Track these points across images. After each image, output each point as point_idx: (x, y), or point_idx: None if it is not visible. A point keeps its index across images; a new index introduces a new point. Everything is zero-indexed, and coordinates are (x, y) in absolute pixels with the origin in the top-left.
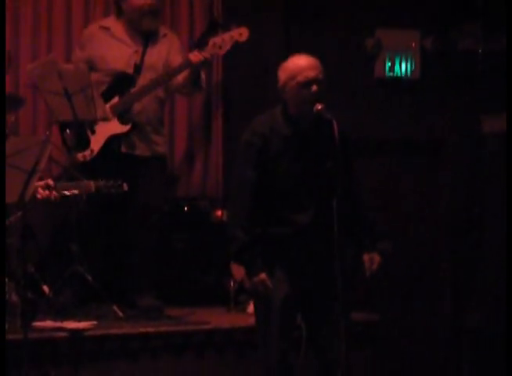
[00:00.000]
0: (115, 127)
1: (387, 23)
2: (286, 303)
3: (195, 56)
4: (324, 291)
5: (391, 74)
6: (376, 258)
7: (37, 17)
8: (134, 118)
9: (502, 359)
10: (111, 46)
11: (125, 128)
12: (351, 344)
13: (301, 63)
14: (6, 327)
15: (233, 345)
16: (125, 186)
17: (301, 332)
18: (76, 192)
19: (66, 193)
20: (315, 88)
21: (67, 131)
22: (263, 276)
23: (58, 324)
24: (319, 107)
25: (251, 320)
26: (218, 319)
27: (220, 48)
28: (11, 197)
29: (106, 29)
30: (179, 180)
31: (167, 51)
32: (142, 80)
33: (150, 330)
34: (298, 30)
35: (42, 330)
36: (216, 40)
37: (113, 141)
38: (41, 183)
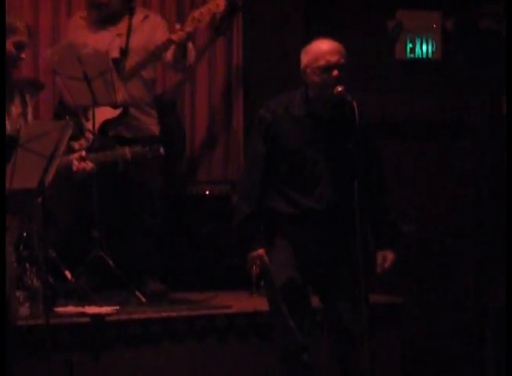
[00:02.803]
0: (107, 112)
1: (408, 5)
2: (291, 286)
3: (176, 35)
4: (341, 274)
5: (412, 55)
6: (389, 255)
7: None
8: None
9: None
10: (90, 33)
11: (117, 112)
12: (374, 327)
13: (323, 47)
14: (28, 312)
15: (256, 328)
16: (162, 150)
17: (317, 316)
18: (111, 160)
19: (101, 161)
20: (336, 72)
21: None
22: (261, 251)
23: (80, 309)
24: (340, 89)
25: None
26: (241, 303)
27: (199, 21)
28: (31, 182)
29: (84, 18)
30: (200, 164)
31: (149, 33)
32: (129, 62)
33: (173, 314)
34: (318, 13)
35: (64, 315)
36: (195, 14)
37: (106, 126)
38: (76, 156)
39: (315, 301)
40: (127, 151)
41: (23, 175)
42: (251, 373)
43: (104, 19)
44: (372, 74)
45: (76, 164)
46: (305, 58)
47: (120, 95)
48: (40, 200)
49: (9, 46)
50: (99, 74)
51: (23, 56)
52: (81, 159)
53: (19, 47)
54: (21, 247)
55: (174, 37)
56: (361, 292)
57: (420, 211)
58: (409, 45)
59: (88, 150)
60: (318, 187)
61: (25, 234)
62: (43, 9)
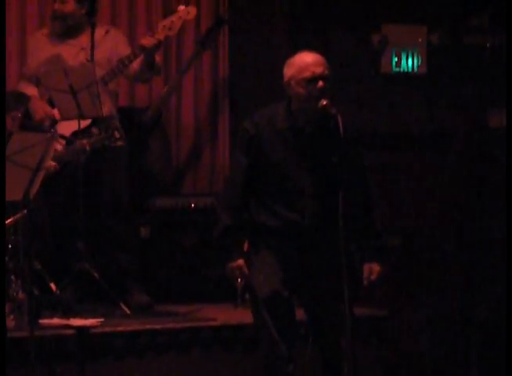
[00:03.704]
0: (75, 123)
1: (394, 19)
2: (275, 298)
3: (147, 40)
4: (325, 287)
5: (398, 69)
6: (376, 268)
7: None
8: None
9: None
10: (56, 49)
11: (86, 123)
12: (358, 339)
13: (307, 59)
14: (13, 324)
15: (241, 341)
16: (117, 134)
17: (301, 329)
18: (71, 154)
19: (63, 158)
20: (321, 84)
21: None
22: (240, 262)
23: (65, 321)
24: (324, 103)
25: None
26: (226, 315)
27: (170, 29)
28: (16, 194)
29: (47, 35)
30: (186, 176)
31: (111, 47)
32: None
33: (157, 326)
34: (304, 26)
35: (49, 327)
36: (165, 22)
37: (74, 137)
38: None
39: (299, 312)
40: (85, 142)
41: (9, 187)
42: None
43: (67, 32)
44: (357, 88)
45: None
46: (289, 70)
47: (106, 108)
48: (25, 212)
49: None
50: (84, 86)
51: None
52: None
53: None
54: (6, 259)
55: (145, 42)
56: (345, 305)
57: (406, 223)
58: (395, 59)
59: None
60: (300, 200)
61: (10, 246)
62: (29, 23)
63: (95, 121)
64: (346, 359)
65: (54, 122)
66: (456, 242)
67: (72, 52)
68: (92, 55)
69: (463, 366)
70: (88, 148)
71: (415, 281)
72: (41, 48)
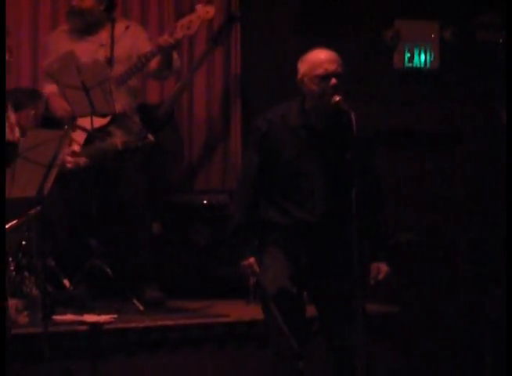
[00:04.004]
0: (95, 121)
1: (406, 14)
2: (284, 295)
3: (164, 40)
4: (335, 284)
5: (410, 65)
6: (384, 268)
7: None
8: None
9: None
10: (75, 45)
11: (105, 121)
12: (370, 336)
13: (320, 56)
14: (27, 320)
15: (253, 337)
16: (150, 137)
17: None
18: (102, 151)
19: (93, 153)
20: (334, 81)
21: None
22: (252, 260)
23: (78, 318)
24: (337, 99)
25: None
26: (238, 311)
27: (188, 28)
28: (29, 191)
29: (66, 31)
30: (198, 173)
31: (131, 43)
32: (114, 72)
33: (170, 323)
34: (315, 22)
35: (62, 323)
36: (183, 21)
37: (93, 135)
38: (68, 152)
39: (311, 309)
40: (117, 141)
41: (22, 183)
42: None
43: (86, 28)
44: (369, 84)
45: (69, 160)
46: (303, 67)
47: (119, 105)
48: (39, 208)
49: None
50: (97, 83)
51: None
52: (74, 154)
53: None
54: (19, 256)
55: (162, 42)
56: (356, 302)
57: (416, 221)
58: (407, 55)
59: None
60: (311, 198)
61: (23, 243)
62: (42, 21)
63: (114, 119)
64: (359, 357)
65: (74, 118)
66: (468, 239)
67: (91, 49)
68: (112, 51)
69: (476, 365)
70: (120, 147)
71: (426, 278)
72: (61, 44)
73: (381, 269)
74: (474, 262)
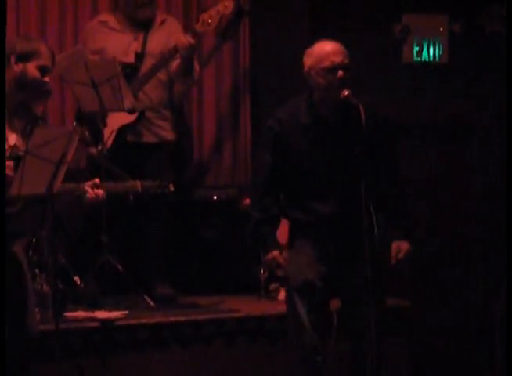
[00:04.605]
0: (124, 117)
1: (415, 8)
2: (307, 287)
3: (180, 41)
4: (354, 277)
5: (419, 58)
6: (404, 246)
7: (63, 6)
8: (140, 106)
9: None
10: (110, 38)
11: (133, 117)
12: (384, 328)
13: (326, 49)
14: (38, 317)
15: (265, 332)
16: (171, 187)
17: (333, 319)
18: (121, 191)
19: (113, 191)
20: (341, 73)
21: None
22: (275, 253)
23: (89, 314)
24: (346, 93)
25: (282, 308)
26: (249, 307)
27: (209, 24)
28: (39, 188)
29: (104, 22)
30: (208, 169)
31: (167, 37)
32: (145, 66)
33: (181, 319)
34: (324, 16)
35: (74, 320)
36: (204, 17)
37: (122, 131)
38: (89, 183)
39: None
40: (138, 184)
41: (32, 181)
42: None
43: (134, 22)
44: (378, 78)
45: (89, 191)
46: (309, 60)
47: (128, 102)
48: (49, 206)
49: (33, 69)
50: (106, 79)
51: (46, 79)
52: (95, 186)
53: (43, 70)
54: (30, 253)
55: (178, 42)
56: (372, 291)
57: (426, 215)
58: (416, 49)
59: (100, 176)
60: (329, 192)
61: (34, 240)
62: (50, 14)
63: (142, 114)
64: (371, 348)
65: (105, 114)
66: (480, 235)
67: (126, 41)
68: (144, 45)
69: (487, 361)
70: (139, 190)
71: (438, 273)
72: (98, 36)
73: (401, 247)
74: (488, 257)
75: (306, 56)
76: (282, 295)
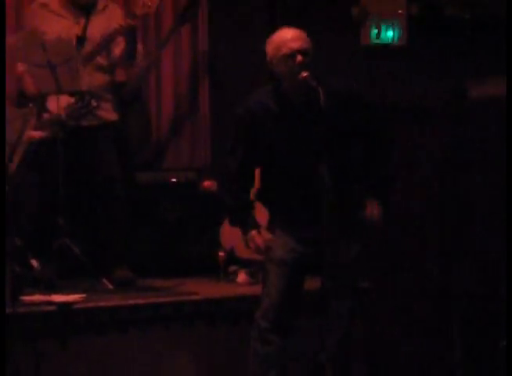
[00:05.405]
0: (65, 100)
1: None
2: (283, 268)
3: (119, 24)
4: (332, 258)
5: (378, 41)
6: (376, 205)
7: None
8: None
9: (492, 322)
10: (51, 21)
11: (72, 100)
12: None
13: (285, 35)
14: None
15: (223, 315)
16: (94, 103)
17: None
18: (49, 123)
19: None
20: (299, 58)
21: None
22: (253, 233)
23: (46, 298)
24: (304, 75)
25: (241, 290)
26: (208, 289)
27: (149, 7)
28: None
29: (45, 5)
30: (167, 151)
31: (107, 22)
32: (85, 51)
33: (140, 301)
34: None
35: (31, 304)
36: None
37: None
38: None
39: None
40: (61, 113)
41: None
42: (218, 359)
43: (75, 6)
44: (337, 60)
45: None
46: (269, 49)
47: (85, 83)
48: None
49: None
50: (63, 61)
51: None
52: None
53: None
54: None
55: (118, 25)
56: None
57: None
58: (375, 31)
59: None
60: (307, 178)
61: None
62: None
63: (81, 98)
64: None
65: (43, 97)
66: (436, 214)
67: (66, 26)
68: (85, 30)
69: (445, 339)
70: (63, 116)
71: (395, 253)
72: (37, 20)
73: (374, 206)
74: (444, 234)
75: (267, 44)
76: (241, 278)
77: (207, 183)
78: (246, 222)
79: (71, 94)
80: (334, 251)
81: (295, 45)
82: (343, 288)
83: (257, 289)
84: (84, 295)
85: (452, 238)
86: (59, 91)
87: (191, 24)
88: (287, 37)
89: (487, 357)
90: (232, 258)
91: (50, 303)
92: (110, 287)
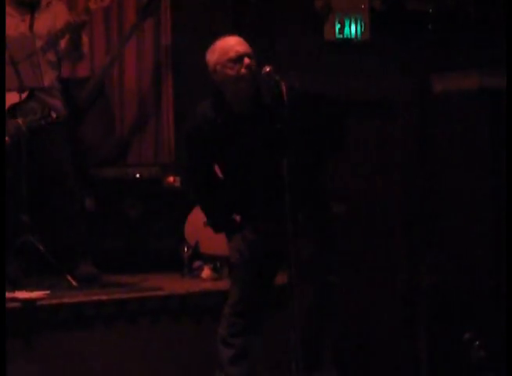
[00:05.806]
0: (13, 97)
1: None
2: (244, 264)
3: (73, 17)
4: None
5: (341, 36)
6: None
7: None
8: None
9: (458, 318)
10: None
11: (23, 96)
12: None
13: (229, 41)
14: None
15: (188, 310)
16: (53, 115)
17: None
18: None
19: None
20: (247, 60)
21: None
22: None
23: (10, 295)
24: (268, 69)
25: (206, 286)
26: (173, 285)
27: (102, 1)
28: None
29: None
30: (130, 146)
31: (53, 18)
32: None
33: (104, 297)
34: None
35: None
36: None
37: (13, 111)
38: None
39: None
40: (20, 122)
41: None
42: (184, 354)
43: (20, 3)
44: (300, 55)
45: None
46: (213, 56)
47: (48, 79)
48: None
49: None
50: (25, 56)
51: None
52: None
53: None
54: None
55: (71, 19)
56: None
57: (352, 190)
58: (338, 26)
59: None
60: (259, 175)
61: None
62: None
63: (32, 94)
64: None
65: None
66: (401, 207)
67: (13, 23)
68: (31, 27)
69: (409, 334)
70: (23, 128)
71: (360, 248)
72: None
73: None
74: (409, 228)
75: (209, 54)
76: (205, 273)
77: (170, 179)
78: (229, 228)
79: (20, 91)
80: (296, 247)
81: (241, 49)
82: (306, 283)
83: (221, 284)
84: (48, 292)
85: (420, 230)
86: (22, 87)
87: (154, 19)
88: (232, 43)
89: (452, 350)
90: (197, 254)
91: (14, 300)
92: (74, 283)
